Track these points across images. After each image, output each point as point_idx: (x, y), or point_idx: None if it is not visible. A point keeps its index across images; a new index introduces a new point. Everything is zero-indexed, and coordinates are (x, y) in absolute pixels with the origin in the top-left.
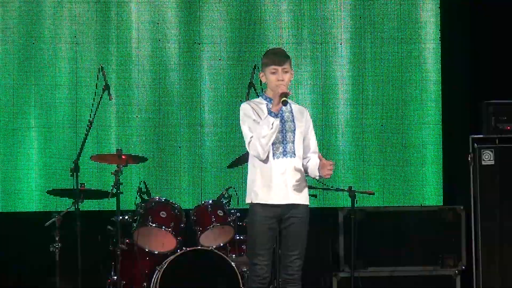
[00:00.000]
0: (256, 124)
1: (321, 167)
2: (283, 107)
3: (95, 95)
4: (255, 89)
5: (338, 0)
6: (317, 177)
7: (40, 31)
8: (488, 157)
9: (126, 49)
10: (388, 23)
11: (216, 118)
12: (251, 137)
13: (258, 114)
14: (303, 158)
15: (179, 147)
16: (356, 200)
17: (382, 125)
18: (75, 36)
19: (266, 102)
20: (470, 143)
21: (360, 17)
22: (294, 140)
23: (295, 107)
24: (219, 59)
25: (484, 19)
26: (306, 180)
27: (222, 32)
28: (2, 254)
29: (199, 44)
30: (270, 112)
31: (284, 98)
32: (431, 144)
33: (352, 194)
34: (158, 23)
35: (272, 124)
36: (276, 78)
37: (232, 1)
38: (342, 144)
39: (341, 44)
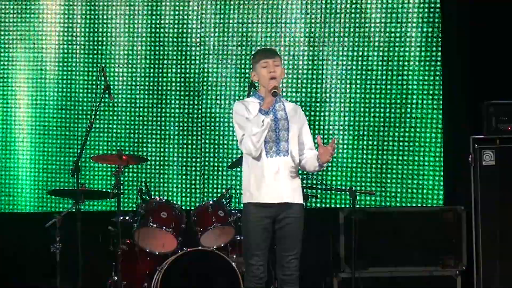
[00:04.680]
0: (248, 122)
1: (321, 154)
2: (276, 104)
3: (95, 95)
4: (255, 89)
5: (338, 0)
6: (317, 168)
7: (40, 31)
8: (488, 158)
9: (127, 50)
10: (388, 23)
11: (217, 119)
12: (243, 135)
13: (251, 112)
14: (299, 155)
15: (180, 148)
16: (357, 201)
17: (383, 125)
18: (76, 37)
19: (259, 101)
20: (470, 143)
21: (360, 17)
22: (288, 139)
23: (288, 105)
24: (220, 60)
25: (484, 19)
26: (300, 179)
27: (222, 32)
28: (2, 255)
29: (200, 44)
30: (260, 110)
31: (274, 90)
32: (431, 144)
33: (352, 194)
34: (158, 23)
35: (263, 122)
36: (267, 71)
37: (233, 1)
38: (342, 144)
39: (341, 44)
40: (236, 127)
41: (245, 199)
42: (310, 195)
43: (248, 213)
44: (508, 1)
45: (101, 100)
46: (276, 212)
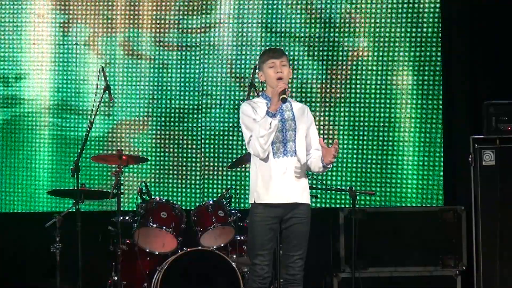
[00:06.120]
0: (255, 123)
1: (324, 156)
2: (283, 105)
3: (95, 95)
4: (255, 90)
5: (338, 1)
6: (322, 169)
7: (41, 31)
8: (488, 158)
9: (127, 50)
10: (389, 23)
11: (217, 119)
12: (250, 136)
13: (258, 113)
14: (306, 155)
15: (180, 148)
16: (357, 201)
17: (383, 125)
18: (76, 36)
19: (266, 102)
20: (470, 143)
21: (361, 17)
22: (295, 139)
23: (295, 105)
24: (220, 60)
25: (484, 19)
26: (308, 179)
27: (222, 32)
28: (2, 255)
29: (200, 44)
30: (267, 112)
31: (283, 96)
32: (432, 144)
33: (352, 194)
34: (158, 24)
35: (270, 124)
36: (274, 71)
37: (232, 1)
38: (342, 144)
39: (341, 44)
40: (243, 128)
41: (252, 199)
42: (310, 195)
43: (254, 212)
44: (508, 1)
45: (101, 100)
46: (283, 212)
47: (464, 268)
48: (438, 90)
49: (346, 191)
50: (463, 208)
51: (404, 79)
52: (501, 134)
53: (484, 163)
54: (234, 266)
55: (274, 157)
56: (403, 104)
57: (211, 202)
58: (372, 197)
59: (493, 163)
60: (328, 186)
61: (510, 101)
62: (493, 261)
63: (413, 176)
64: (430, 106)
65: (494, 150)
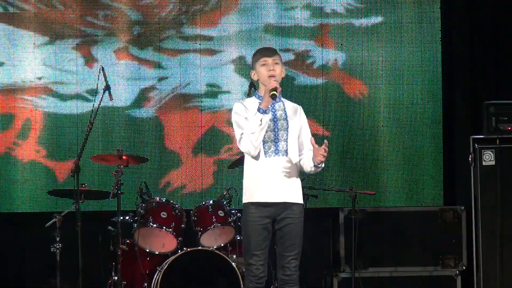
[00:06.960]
0: (247, 122)
1: (315, 155)
2: (275, 104)
3: (95, 95)
4: (255, 89)
5: (337, 0)
6: (313, 169)
7: (40, 31)
8: (488, 158)
9: (127, 49)
10: (389, 23)
11: (217, 119)
12: (242, 134)
13: (250, 112)
14: (299, 155)
15: (180, 147)
16: (357, 201)
17: (383, 125)
18: (76, 36)
19: (259, 101)
20: (470, 143)
21: (360, 17)
22: (287, 139)
23: (288, 104)
24: (219, 60)
25: (484, 18)
26: (300, 179)
27: (222, 32)
28: (2, 255)
29: (199, 44)
30: (258, 109)
31: (273, 92)
32: (431, 144)
33: (352, 194)
34: (158, 23)
35: (261, 121)
36: (266, 69)
37: (233, 1)
38: (342, 145)
39: (341, 44)
40: (235, 126)
41: (245, 198)
42: (310, 195)
43: (247, 212)
44: (509, 1)
45: (101, 100)
46: (276, 212)
47: (464, 268)
48: (438, 90)
49: (346, 191)
50: (463, 208)
51: (404, 79)
52: (501, 134)
53: (484, 163)
54: (234, 266)
55: (266, 156)
56: (403, 103)
57: (211, 202)
58: (372, 197)
59: (493, 163)
60: (328, 186)
61: (510, 101)
62: (493, 261)
63: (413, 176)
64: (430, 106)
65: (494, 150)
